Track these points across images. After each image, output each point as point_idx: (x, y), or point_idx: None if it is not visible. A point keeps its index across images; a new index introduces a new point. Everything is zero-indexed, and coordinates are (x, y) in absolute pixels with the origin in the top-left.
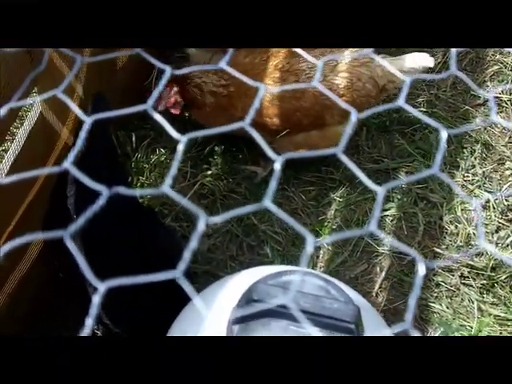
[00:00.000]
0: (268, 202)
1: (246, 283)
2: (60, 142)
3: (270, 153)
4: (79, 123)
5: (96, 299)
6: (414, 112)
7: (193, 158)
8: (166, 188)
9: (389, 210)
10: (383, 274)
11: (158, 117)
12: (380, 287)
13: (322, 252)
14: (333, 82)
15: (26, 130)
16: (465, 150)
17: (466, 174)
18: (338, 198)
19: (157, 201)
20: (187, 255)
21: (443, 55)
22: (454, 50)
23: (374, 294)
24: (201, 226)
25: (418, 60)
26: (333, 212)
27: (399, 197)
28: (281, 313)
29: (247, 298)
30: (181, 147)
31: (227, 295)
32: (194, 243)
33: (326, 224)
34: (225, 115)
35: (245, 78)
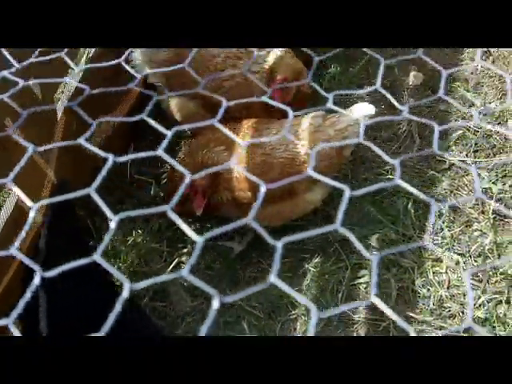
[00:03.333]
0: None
1: None
2: (33, 229)
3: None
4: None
5: None
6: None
7: (169, 238)
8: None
9: (362, 277)
10: None
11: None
12: None
13: (298, 324)
14: (294, 150)
15: (2, 218)
16: (441, 204)
17: (434, 238)
18: (312, 268)
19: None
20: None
21: (408, 123)
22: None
23: None
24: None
25: (362, 110)
26: (308, 282)
27: (371, 263)
28: None
29: None
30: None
31: None
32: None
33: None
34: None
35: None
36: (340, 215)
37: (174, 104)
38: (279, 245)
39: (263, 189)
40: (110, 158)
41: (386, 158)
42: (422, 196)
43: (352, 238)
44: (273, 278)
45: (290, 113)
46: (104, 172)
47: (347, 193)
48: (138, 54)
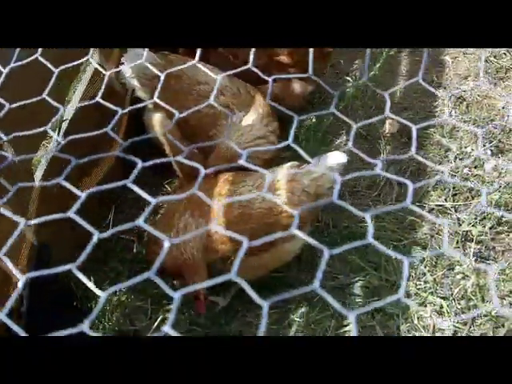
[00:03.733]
0: None
1: None
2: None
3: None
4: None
5: None
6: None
7: (153, 295)
8: None
9: (348, 325)
10: None
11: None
12: None
13: None
14: (271, 201)
15: None
16: (415, 259)
17: (417, 282)
18: (297, 319)
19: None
20: None
21: (386, 168)
22: (392, 172)
23: None
24: None
25: (335, 158)
26: (294, 333)
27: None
28: None
29: None
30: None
31: None
32: None
33: None
34: None
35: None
36: (319, 274)
37: (155, 119)
38: (265, 304)
39: (245, 244)
40: (96, 234)
41: (359, 213)
42: (394, 255)
43: (329, 299)
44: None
45: (265, 172)
46: (89, 249)
47: (326, 253)
48: (127, 69)
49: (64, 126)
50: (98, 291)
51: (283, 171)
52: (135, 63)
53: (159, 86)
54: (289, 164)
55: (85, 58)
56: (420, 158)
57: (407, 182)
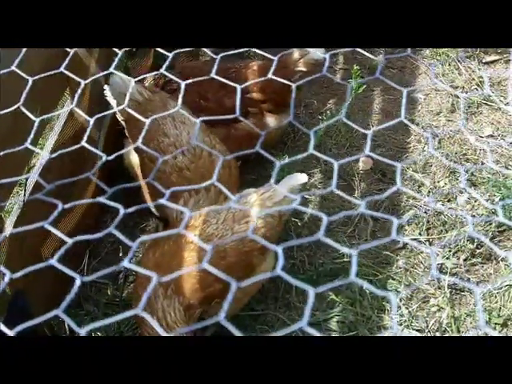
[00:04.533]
0: None
1: None
2: None
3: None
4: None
5: None
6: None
7: (131, 332)
8: None
9: None
10: None
11: None
12: None
13: None
14: (241, 231)
15: None
16: (389, 293)
17: (393, 316)
18: None
19: None
20: None
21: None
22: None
23: None
24: None
25: (295, 180)
26: None
27: None
28: None
29: None
30: None
31: None
32: None
33: None
34: None
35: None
36: (307, 313)
37: (134, 161)
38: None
39: (234, 287)
40: (78, 279)
41: (344, 250)
42: (377, 292)
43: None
44: None
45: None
46: (72, 294)
47: (311, 293)
48: (108, 91)
49: (36, 171)
50: (77, 329)
51: (251, 199)
52: (116, 90)
53: (143, 132)
54: (249, 190)
55: (66, 108)
56: (404, 189)
57: (391, 217)
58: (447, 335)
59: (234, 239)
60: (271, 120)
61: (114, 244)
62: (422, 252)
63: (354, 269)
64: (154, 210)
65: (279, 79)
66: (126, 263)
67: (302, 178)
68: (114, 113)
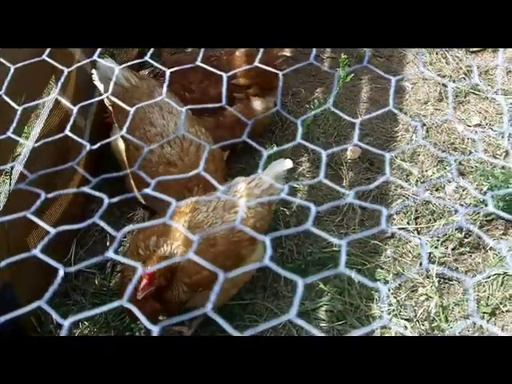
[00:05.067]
0: None
1: None
2: None
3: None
4: None
5: None
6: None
7: (115, 327)
8: None
9: None
10: None
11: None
12: None
13: None
14: (230, 220)
15: None
16: (378, 282)
17: (381, 305)
18: None
19: None
20: None
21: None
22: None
23: None
24: None
25: (281, 165)
26: None
27: None
28: None
29: None
30: None
31: None
32: None
33: None
34: None
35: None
36: (296, 302)
37: (119, 144)
38: (236, 334)
39: (221, 278)
40: (61, 269)
41: (333, 240)
42: (365, 281)
43: (308, 327)
44: None
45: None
46: (56, 285)
47: (300, 283)
48: (96, 75)
49: (21, 160)
50: (61, 320)
51: (239, 188)
52: (103, 74)
53: (127, 121)
54: (237, 179)
55: (51, 96)
56: (392, 179)
57: (381, 207)
58: (444, 335)
59: (224, 228)
60: (258, 103)
61: (101, 233)
62: (410, 241)
63: (343, 259)
64: (140, 199)
65: (262, 66)
66: (110, 253)
67: (286, 163)
68: (101, 100)
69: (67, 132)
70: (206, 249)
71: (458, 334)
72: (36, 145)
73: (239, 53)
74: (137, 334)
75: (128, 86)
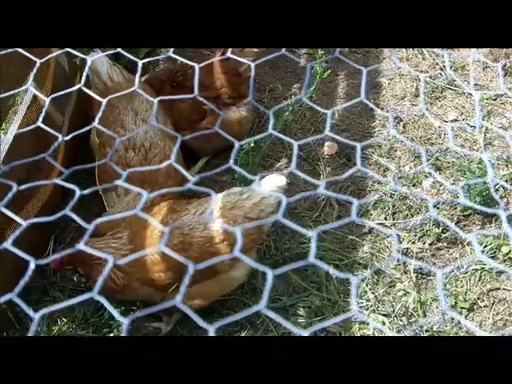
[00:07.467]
0: None
1: None
2: None
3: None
4: None
5: None
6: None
7: (94, 324)
8: None
9: None
10: None
11: None
12: None
13: None
14: (212, 229)
15: None
16: (355, 277)
17: (359, 301)
18: None
19: None
20: None
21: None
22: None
23: None
24: None
25: (274, 181)
26: None
27: None
28: None
29: None
30: None
31: None
32: None
33: None
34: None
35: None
36: (265, 295)
37: (95, 139)
38: (211, 329)
39: (191, 269)
40: (32, 262)
41: (304, 231)
42: (338, 274)
43: (279, 319)
44: None
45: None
46: (26, 277)
47: (270, 274)
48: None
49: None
50: (30, 313)
51: (223, 198)
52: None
53: (99, 113)
54: (228, 191)
55: (24, 87)
56: (366, 171)
57: (351, 198)
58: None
59: (203, 235)
60: (230, 112)
61: (79, 230)
62: (387, 236)
63: (313, 250)
64: (101, 193)
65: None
66: (81, 246)
67: (280, 180)
68: (79, 98)
69: (39, 124)
70: (179, 253)
71: (435, 329)
72: (11, 137)
73: (203, 65)
74: (115, 330)
75: (109, 84)
